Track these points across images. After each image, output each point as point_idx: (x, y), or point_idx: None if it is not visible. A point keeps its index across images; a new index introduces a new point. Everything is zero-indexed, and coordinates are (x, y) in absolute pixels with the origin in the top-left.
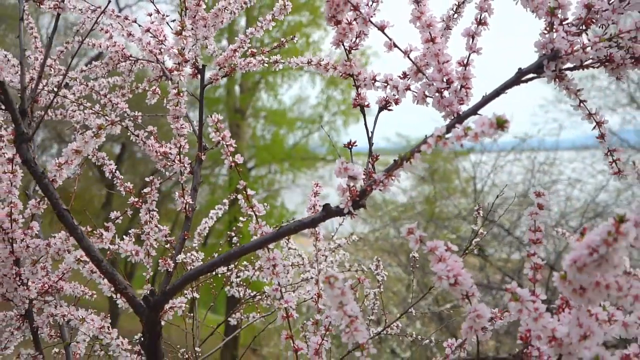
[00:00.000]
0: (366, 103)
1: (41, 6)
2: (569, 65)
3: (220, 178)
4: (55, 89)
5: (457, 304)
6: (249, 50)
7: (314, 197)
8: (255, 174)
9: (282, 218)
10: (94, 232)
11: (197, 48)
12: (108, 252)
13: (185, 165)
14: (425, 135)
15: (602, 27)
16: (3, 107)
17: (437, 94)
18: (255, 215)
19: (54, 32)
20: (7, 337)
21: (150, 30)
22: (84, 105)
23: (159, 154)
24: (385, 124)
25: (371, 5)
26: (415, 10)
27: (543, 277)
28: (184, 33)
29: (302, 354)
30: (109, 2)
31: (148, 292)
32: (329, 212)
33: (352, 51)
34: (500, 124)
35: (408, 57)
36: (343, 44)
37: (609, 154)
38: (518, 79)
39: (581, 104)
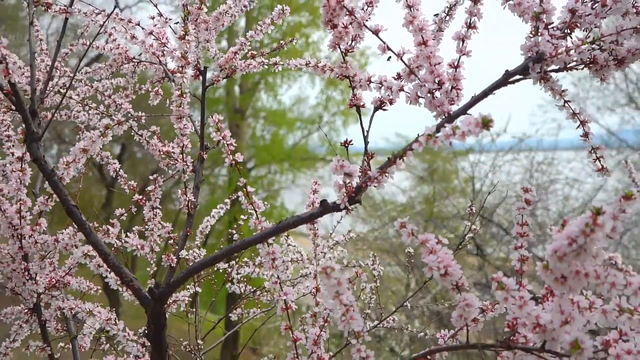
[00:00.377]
0: (362, 103)
1: (49, 10)
2: (553, 67)
3: (220, 178)
4: (62, 90)
5: (455, 304)
6: (249, 52)
7: (313, 194)
8: (255, 174)
9: (282, 218)
10: (100, 227)
11: (199, 51)
12: (113, 248)
13: (188, 163)
14: (418, 134)
15: (586, 31)
16: (14, 107)
17: (429, 95)
18: (255, 211)
19: (62, 36)
20: (15, 330)
21: (153, 33)
22: (89, 106)
23: (162, 153)
24: (385, 125)
25: (366, 10)
26: (408, 14)
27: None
28: (187, 37)
29: (301, 344)
30: (115, 7)
31: (153, 285)
32: (326, 207)
33: (349, 53)
34: (485, 123)
35: (401, 59)
36: (339, 47)
37: (592, 151)
38: (505, 80)
39: (565, 104)
